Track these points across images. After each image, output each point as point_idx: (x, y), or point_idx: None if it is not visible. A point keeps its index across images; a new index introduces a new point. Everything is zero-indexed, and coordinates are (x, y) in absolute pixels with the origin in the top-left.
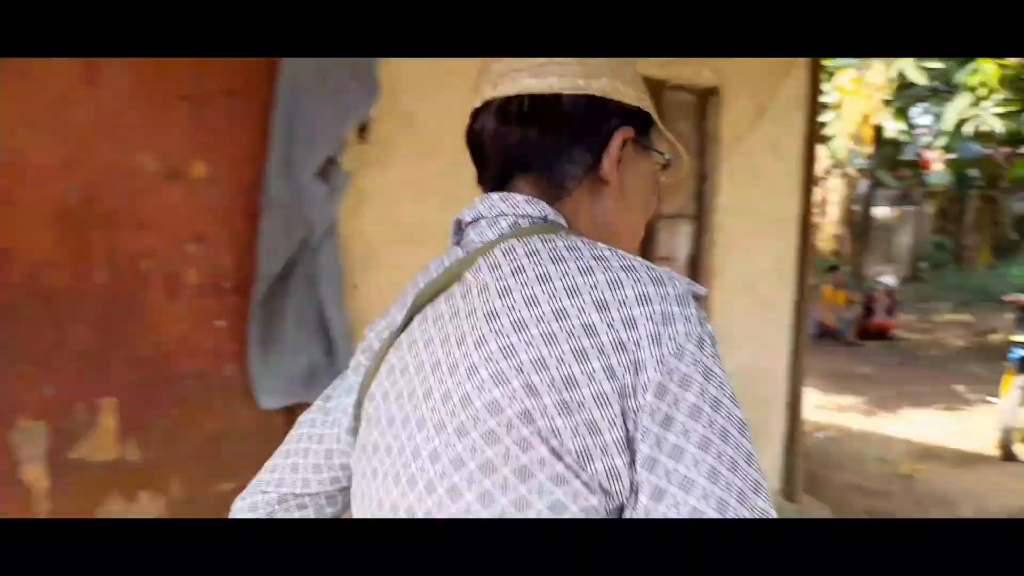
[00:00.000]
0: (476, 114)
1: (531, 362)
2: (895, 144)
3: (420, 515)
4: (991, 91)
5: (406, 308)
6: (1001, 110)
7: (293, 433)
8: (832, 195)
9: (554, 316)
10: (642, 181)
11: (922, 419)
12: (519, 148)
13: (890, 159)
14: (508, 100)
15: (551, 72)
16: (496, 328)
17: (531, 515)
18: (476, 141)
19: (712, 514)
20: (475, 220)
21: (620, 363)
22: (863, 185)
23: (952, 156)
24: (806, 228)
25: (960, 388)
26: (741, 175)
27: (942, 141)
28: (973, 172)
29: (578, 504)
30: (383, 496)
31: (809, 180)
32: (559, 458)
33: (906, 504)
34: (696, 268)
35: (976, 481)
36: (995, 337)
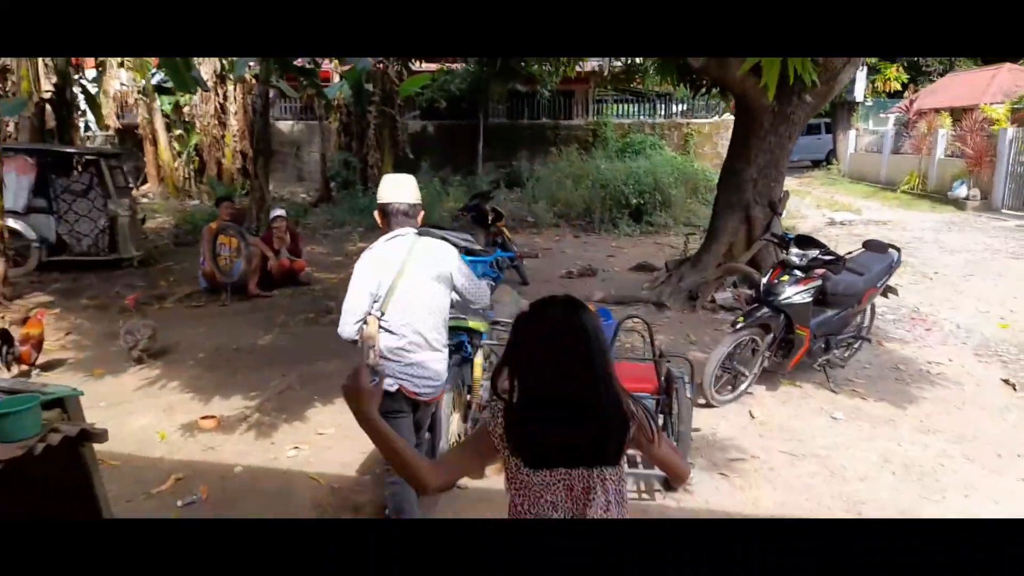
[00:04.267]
0: (395, 206)
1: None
2: None
3: (420, 293)
4: None
5: (405, 250)
6: None
7: (358, 291)
8: (231, 104)
9: (441, 255)
10: None
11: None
12: (409, 214)
13: (280, 62)
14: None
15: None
16: (431, 257)
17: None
18: (392, 209)
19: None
20: (404, 230)
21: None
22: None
23: (347, 67)
24: None
25: None
26: None
27: None
28: (369, 87)
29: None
30: (410, 286)
31: None
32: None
33: None
34: None
35: None
36: None
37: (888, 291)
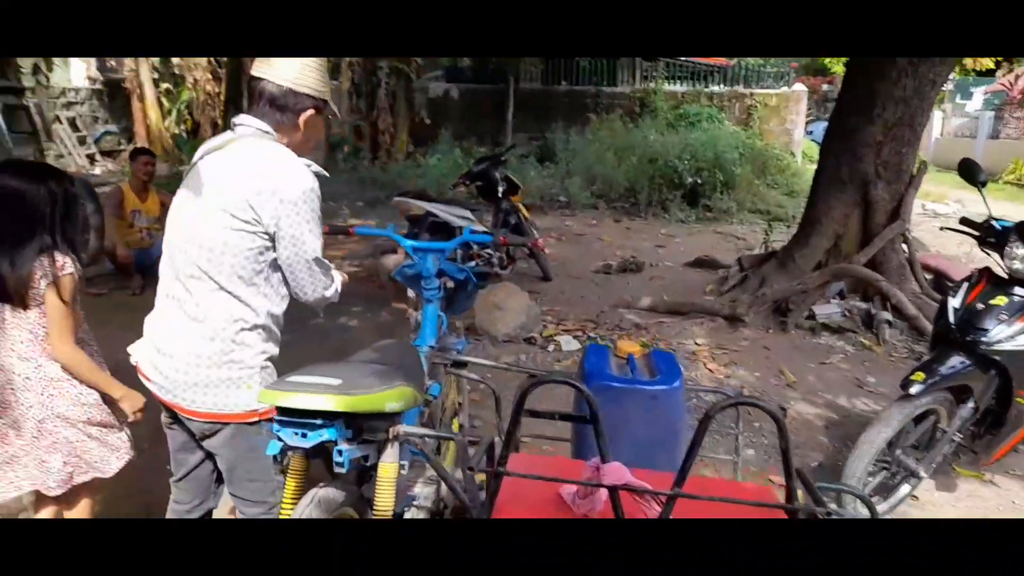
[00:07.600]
0: (252, 78)
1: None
2: None
3: (188, 222)
4: None
5: (207, 151)
6: None
7: None
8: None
9: (250, 175)
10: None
11: None
12: (279, 104)
13: None
14: (257, 79)
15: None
16: (230, 172)
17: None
18: (255, 88)
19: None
20: (242, 126)
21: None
22: None
23: None
24: None
25: None
26: None
27: None
28: None
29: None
30: (179, 205)
31: None
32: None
33: None
34: None
35: None
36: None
37: None
